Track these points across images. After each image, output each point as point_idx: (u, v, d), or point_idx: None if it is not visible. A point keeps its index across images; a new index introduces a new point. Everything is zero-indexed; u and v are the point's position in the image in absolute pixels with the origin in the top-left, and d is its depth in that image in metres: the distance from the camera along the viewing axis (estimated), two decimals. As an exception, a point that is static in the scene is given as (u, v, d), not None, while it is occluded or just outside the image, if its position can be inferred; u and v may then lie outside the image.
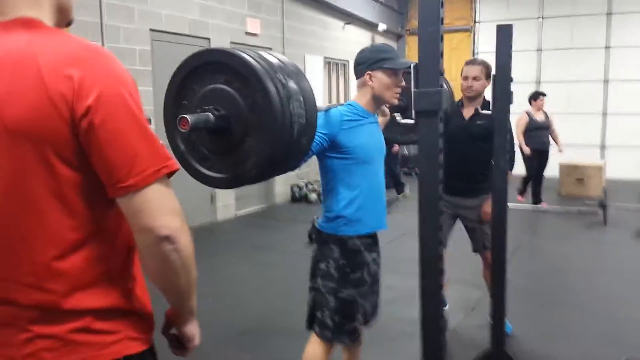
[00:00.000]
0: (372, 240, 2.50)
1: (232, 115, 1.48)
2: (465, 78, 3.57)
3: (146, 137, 1.05)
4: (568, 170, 8.92)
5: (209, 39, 6.83)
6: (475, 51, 12.19)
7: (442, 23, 1.62)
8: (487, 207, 3.39)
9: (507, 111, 2.72)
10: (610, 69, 11.13)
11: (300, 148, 1.58)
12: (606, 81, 11.20)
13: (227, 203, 7.28)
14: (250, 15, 7.61)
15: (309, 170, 8.75)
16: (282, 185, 8.46)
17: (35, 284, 1.06)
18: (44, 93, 0.98)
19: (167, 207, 1.05)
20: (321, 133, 2.29)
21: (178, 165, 1.11)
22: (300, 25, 8.88)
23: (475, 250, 3.69)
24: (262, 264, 5.53)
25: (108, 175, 1.03)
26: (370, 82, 2.43)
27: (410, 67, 2.39)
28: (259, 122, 1.47)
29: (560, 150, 7.96)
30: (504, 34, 2.71)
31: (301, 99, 1.54)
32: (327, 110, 2.39)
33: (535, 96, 8.08)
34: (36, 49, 1.02)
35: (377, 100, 2.47)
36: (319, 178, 2.53)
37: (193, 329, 1.29)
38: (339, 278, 2.39)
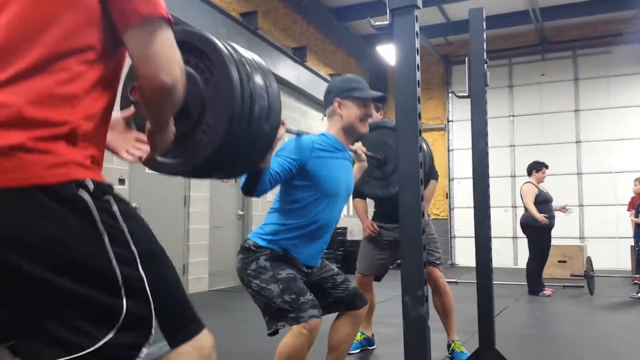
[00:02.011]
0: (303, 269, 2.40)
1: (189, 93, 1.37)
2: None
3: None
4: (550, 251, 8.79)
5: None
6: (450, 148, 12.57)
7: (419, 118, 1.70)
8: None
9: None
10: (582, 162, 11.48)
11: (262, 134, 1.47)
12: (580, 174, 11.50)
13: (200, 276, 6.97)
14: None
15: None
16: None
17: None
18: None
19: (173, 58, 1.10)
20: (290, 158, 2.27)
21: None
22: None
23: None
24: (240, 319, 5.19)
25: (123, 4, 1.06)
26: (339, 110, 2.45)
27: (379, 96, 2.47)
28: (216, 96, 1.39)
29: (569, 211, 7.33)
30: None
31: (263, 84, 1.46)
32: (298, 135, 2.36)
33: (537, 167, 7.03)
34: None
35: (348, 131, 2.47)
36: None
37: (164, 137, 1.31)
38: (271, 266, 2.28)
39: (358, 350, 3.75)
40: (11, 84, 1.01)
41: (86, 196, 1.03)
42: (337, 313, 2.53)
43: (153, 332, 1.06)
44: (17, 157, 0.98)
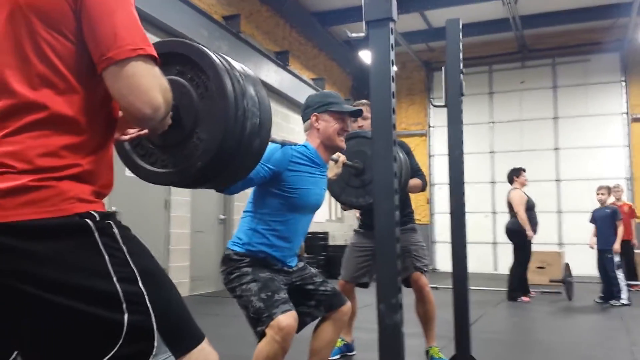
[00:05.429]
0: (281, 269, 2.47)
1: (182, 105, 1.41)
2: (355, 120, 3.70)
3: (130, 21, 1.14)
4: (528, 257, 8.88)
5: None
6: (431, 153, 12.66)
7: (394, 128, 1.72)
8: None
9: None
10: (560, 168, 11.64)
11: (252, 148, 1.49)
12: (558, 180, 11.65)
13: (181, 281, 6.91)
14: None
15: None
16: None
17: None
18: None
19: (148, 85, 1.12)
20: (267, 166, 2.31)
21: (154, 52, 1.15)
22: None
23: (405, 278, 3.50)
24: (220, 324, 5.14)
25: (94, 50, 1.12)
26: (316, 124, 2.50)
27: (355, 110, 2.50)
28: (210, 110, 1.41)
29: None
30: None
31: (256, 100, 1.49)
32: (282, 146, 2.39)
33: (517, 172, 7.07)
34: None
35: (326, 144, 2.52)
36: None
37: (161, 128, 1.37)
38: (252, 271, 2.35)
39: (338, 357, 3.74)
40: (20, 134, 1.10)
41: (89, 223, 1.11)
42: (318, 320, 2.55)
43: (156, 344, 1.13)
44: (27, 195, 1.07)
